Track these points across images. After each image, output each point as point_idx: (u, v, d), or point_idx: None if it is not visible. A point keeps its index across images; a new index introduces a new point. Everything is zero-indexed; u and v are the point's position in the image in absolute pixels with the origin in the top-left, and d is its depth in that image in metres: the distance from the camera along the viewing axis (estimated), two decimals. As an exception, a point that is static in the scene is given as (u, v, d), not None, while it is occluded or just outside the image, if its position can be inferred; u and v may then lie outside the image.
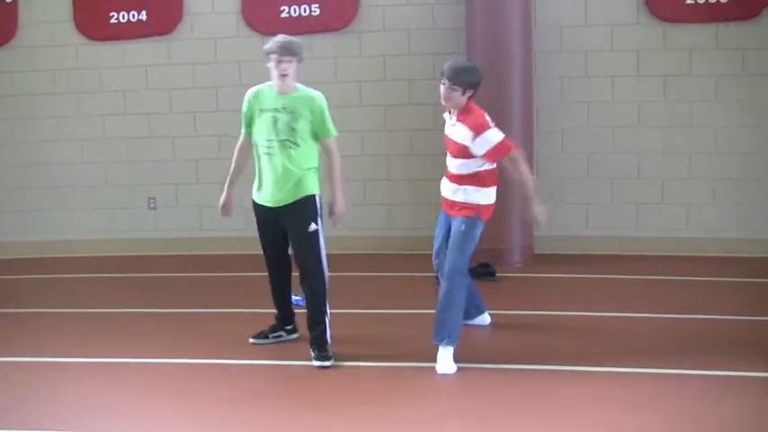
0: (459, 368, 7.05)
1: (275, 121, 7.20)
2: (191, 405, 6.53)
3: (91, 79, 12.16)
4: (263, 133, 7.27)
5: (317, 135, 7.32)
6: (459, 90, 7.14)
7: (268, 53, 7.22)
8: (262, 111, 7.29)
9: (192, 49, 11.96)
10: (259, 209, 7.45)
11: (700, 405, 6.22)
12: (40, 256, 12.10)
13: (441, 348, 7.20)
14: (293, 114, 7.20)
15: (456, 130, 7.26)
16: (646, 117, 11.21)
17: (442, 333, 7.20)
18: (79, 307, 9.46)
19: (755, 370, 6.85)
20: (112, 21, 12.00)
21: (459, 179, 7.36)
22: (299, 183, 7.24)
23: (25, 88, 12.26)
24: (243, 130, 7.57)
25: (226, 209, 7.71)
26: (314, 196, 7.31)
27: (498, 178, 7.42)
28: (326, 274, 7.30)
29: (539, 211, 7.36)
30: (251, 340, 7.79)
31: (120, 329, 8.54)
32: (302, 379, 7.03)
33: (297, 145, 7.21)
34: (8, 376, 7.25)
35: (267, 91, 7.36)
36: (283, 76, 7.19)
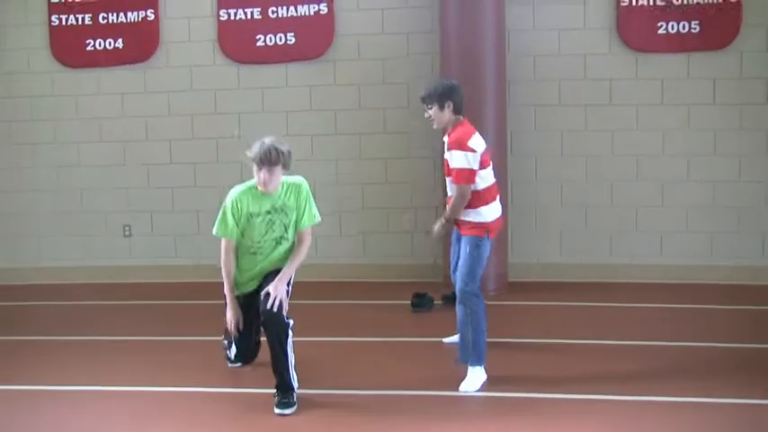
0: (433, 395, 7.14)
1: (270, 222, 7.10)
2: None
3: (67, 106, 12.16)
4: (253, 236, 7.13)
5: (300, 224, 7.20)
6: (436, 106, 7.42)
7: (252, 162, 6.93)
8: (252, 215, 7.09)
9: (168, 77, 11.97)
10: (239, 298, 7.30)
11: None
12: (11, 282, 12.03)
13: (470, 368, 7.35)
14: (285, 212, 7.12)
15: (446, 147, 7.48)
16: (619, 145, 11.28)
17: (471, 355, 7.37)
18: (50, 335, 9.44)
19: (730, 396, 6.93)
20: (89, 48, 11.99)
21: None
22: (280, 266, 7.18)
23: (1, 114, 12.25)
24: (226, 234, 7.17)
25: (239, 323, 7.29)
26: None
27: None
28: (291, 322, 6.99)
29: (435, 227, 7.64)
30: (229, 365, 7.84)
31: (92, 357, 8.52)
32: (261, 407, 6.99)
33: (287, 240, 7.19)
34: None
35: (252, 192, 7.11)
36: (265, 185, 6.97)
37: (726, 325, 9.24)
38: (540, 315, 9.98)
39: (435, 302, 10.12)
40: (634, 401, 6.92)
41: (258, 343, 7.45)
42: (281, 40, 11.66)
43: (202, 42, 11.89)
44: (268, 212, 7.09)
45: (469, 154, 7.29)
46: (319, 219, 7.32)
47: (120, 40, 11.95)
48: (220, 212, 7.15)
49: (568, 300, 10.38)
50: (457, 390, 7.22)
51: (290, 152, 6.96)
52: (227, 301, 7.22)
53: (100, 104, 12.13)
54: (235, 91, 11.83)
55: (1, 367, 8.23)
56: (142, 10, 11.89)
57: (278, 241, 7.16)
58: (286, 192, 7.11)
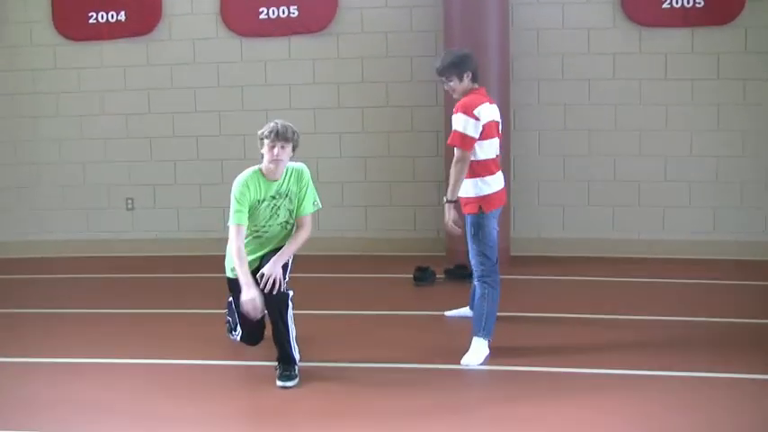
0: (435, 368, 7.16)
1: (275, 207, 7.07)
2: (162, 404, 6.55)
3: (69, 79, 12.15)
4: (259, 221, 7.10)
5: (301, 210, 7.15)
6: (455, 79, 7.40)
7: (261, 138, 6.92)
8: (259, 202, 7.05)
9: (171, 50, 11.96)
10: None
11: (671, 406, 6.28)
12: (14, 256, 12.08)
13: (475, 339, 7.36)
14: (289, 197, 7.10)
15: None
16: (622, 120, 11.26)
17: (478, 326, 7.37)
18: (53, 307, 9.44)
19: (733, 371, 6.90)
20: (91, 21, 11.98)
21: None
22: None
23: (3, 88, 12.25)
24: (243, 221, 7.01)
25: (257, 305, 6.98)
26: None
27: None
28: (290, 293, 7.01)
29: (447, 220, 7.46)
30: (229, 336, 7.79)
31: (94, 330, 8.53)
32: (264, 379, 6.98)
33: (290, 224, 7.19)
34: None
35: (257, 179, 7.04)
36: (277, 161, 6.91)
37: (730, 300, 9.22)
38: (541, 289, 10.00)
39: (437, 276, 10.11)
40: (634, 375, 6.90)
41: (263, 324, 7.39)
42: (283, 12, 11.63)
43: (205, 15, 11.86)
44: (273, 198, 7.06)
45: (471, 120, 7.24)
46: (320, 206, 7.30)
47: (122, 13, 11.93)
48: (232, 203, 7.05)
49: (570, 274, 10.41)
50: (459, 362, 7.23)
51: (299, 133, 7.00)
52: (244, 284, 6.95)
53: (102, 77, 12.12)
54: (238, 64, 11.81)
55: (20, 338, 8.24)
56: (145, -18, 11.88)
57: (283, 226, 7.16)
58: (289, 177, 7.09)
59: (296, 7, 11.63)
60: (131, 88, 12.08)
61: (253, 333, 7.44)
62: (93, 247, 12.16)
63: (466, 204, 7.44)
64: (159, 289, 10.30)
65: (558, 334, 8.11)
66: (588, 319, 8.55)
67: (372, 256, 11.38)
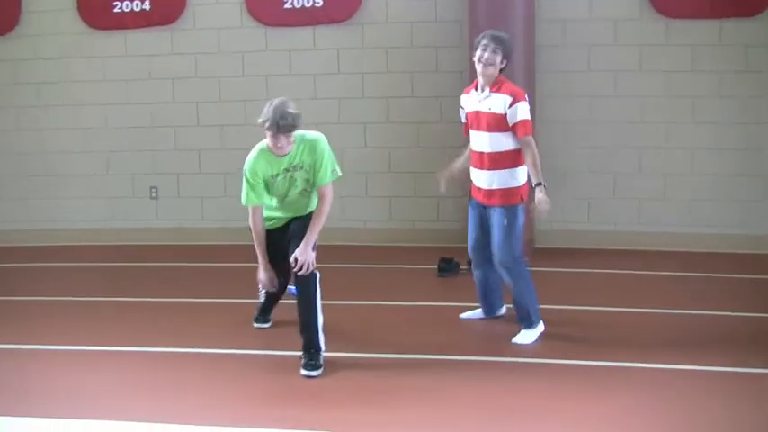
0: (459, 359, 7.20)
1: (292, 179, 7.09)
2: (182, 393, 6.58)
3: (94, 69, 12.16)
4: (276, 193, 7.18)
5: (319, 180, 7.12)
6: (500, 55, 7.31)
7: (262, 127, 6.86)
8: (272, 177, 7.07)
9: (195, 40, 11.94)
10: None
11: (698, 401, 6.24)
12: (39, 244, 12.09)
13: (525, 330, 7.52)
14: (304, 168, 7.07)
15: (490, 101, 7.36)
16: (648, 112, 11.18)
17: (527, 320, 7.49)
18: (77, 295, 9.45)
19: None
20: (116, 10, 11.98)
21: (492, 162, 7.43)
22: (309, 210, 7.25)
23: (28, 77, 12.26)
24: (255, 202, 7.17)
25: (273, 281, 7.36)
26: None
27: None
28: (318, 275, 7.04)
29: (540, 200, 7.31)
30: (254, 325, 8.00)
31: (118, 318, 8.57)
32: (288, 369, 6.98)
33: (311, 192, 7.21)
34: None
35: (266, 156, 7.08)
36: (280, 149, 6.91)
37: (763, 295, 9.15)
38: (564, 282, 9.92)
39: (461, 267, 10.05)
40: (657, 369, 6.87)
41: (288, 273, 7.37)
42: (308, 2, 11.59)
43: (230, 4, 11.84)
44: (286, 170, 7.05)
45: (528, 106, 7.30)
46: (339, 173, 7.24)
47: (147, 2, 11.92)
48: (243, 183, 7.13)
49: (594, 267, 10.35)
50: (480, 354, 7.27)
51: (299, 114, 6.87)
52: (260, 262, 7.25)
53: (127, 67, 12.12)
54: (262, 53, 11.78)
55: (26, 328, 8.26)
56: (170, -28, 11.88)
57: (302, 194, 7.20)
58: (301, 150, 7.04)
59: (321, -3, 11.61)
60: (156, 77, 12.08)
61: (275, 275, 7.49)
62: (116, 235, 12.18)
63: (509, 195, 7.42)
64: (183, 278, 10.31)
65: (581, 328, 8.07)
66: (611, 312, 8.51)
67: (396, 247, 11.34)
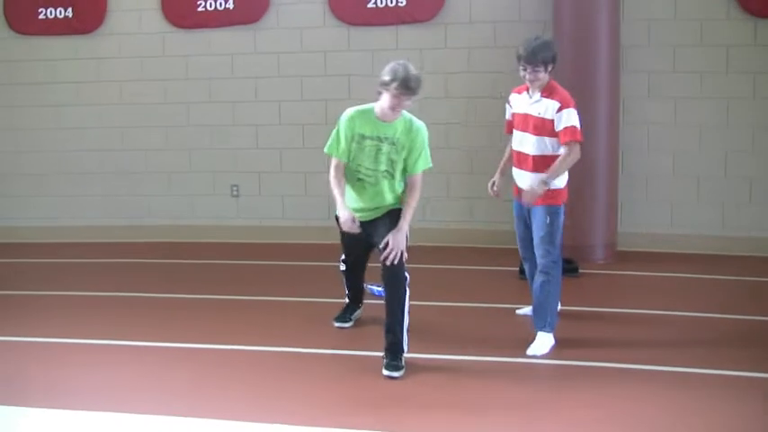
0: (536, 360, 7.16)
1: (378, 150, 6.94)
2: (264, 390, 6.60)
3: (177, 67, 12.28)
4: (362, 160, 7.01)
5: (411, 167, 7.03)
6: (542, 68, 7.24)
7: (386, 84, 6.74)
8: (363, 137, 6.94)
9: (278, 39, 12.00)
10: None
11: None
12: (124, 240, 12.27)
13: (540, 333, 7.37)
14: (395, 146, 6.93)
15: (540, 106, 7.33)
16: (733, 115, 11.02)
17: (543, 321, 7.38)
18: (155, 291, 9.58)
19: None
20: (199, 9, 12.08)
21: (536, 165, 7.40)
22: (391, 203, 7.12)
23: (112, 75, 12.41)
24: (335, 152, 7.08)
25: (354, 222, 7.08)
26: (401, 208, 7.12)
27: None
28: (408, 278, 6.97)
29: (533, 189, 7.30)
30: (335, 324, 7.91)
31: (202, 315, 8.65)
32: (369, 369, 6.96)
33: (393, 177, 7.04)
34: (66, 355, 7.40)
35: (368, 115, 6.99)
36: (399, 108, 6.83)
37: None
38: (646, 285, 9.82)
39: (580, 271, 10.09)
40: (728, 376, 6.75)
41: (367, 256, 7.52)
42: (391, 2, 11.60)
43: (313, 3, 11.88)
44: (379, 138, 6.94)
45: (576, 113, 7.26)
46: (431, 164, 7.14)
47: (230, 1, 11.99)
48: (334, 131, 7.07)
49: (676, 271, 10.19)
50: (560, 359, 7.19)
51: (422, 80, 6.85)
52: (339, 205, 7.08)
53: (210, 65, 12.21)
54: (345, 53, 11.80)
55: (122, 322, 8.37)
56: (253, -29, 11.95)
57: (383, 175, 7.02)
58: (402, 127, 6.96)
59: (404, -4, 11.61)
60: (238, 76, 12.16)
61: (356, 263, 7.60)
62: (198, 232, 12.29)
63: (555, 195, 7.39)
64: (265, 276, 10.35)
65: (659, 331, 7.99)
66: (692, 317, 8.37)
67: (477, 248, 11.29)
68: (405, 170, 7.06)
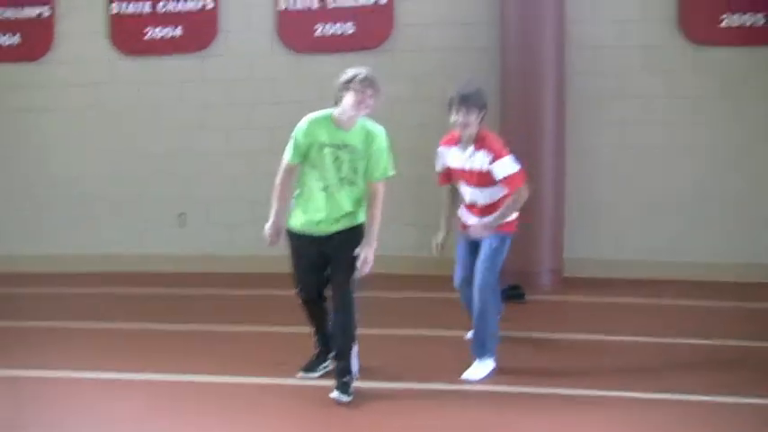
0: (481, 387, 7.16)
1: (337, 159, 6.87)
2: (206, 422, 6.54)
3: (125, 94, 12.23)
4: (321, 168, 6.92)
5: (370, 174, 6.96)
6: (475, 112, 7.28)
7: (348, 82, 6.83)
8: (322, 145, 6.88)
9: (227, 66, 12.01)
10: (303, 239, 7.09)
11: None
12: (66, 270, 12.10)
13: (477, 361, 7.39)
14: (354, 154, 6.88)
15: (475, 159, 7.38)
16: (677, 140, 11.20)
17: (481, 348, 7.40)
18: (101, 321, 9.48)
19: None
20: (147, 36, 12.06)
21: (485, 211, 7.50)
22: (351, 215, 7.02)
23: (60, 102, 12.35)
24: (291, 157, 6.99)
25: (278, 237, 7.12)
26: (362, 225, 7.04)
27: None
28: (355, 304, 6.97)
29: (476, 228, 7.44)
30: (300, 374, 7.48)
31: (141, 345, 8.54)
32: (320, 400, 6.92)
33: (354, 184, 6.96)
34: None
35: (325, 122, 6.94)
36: (361, 108, 6.82)
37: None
38: (592, 311, 9.88)
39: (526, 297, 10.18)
40: (674, 400, 6.81)
41: (321, 278, 7.20)
42: (339, 29, 11.65)
43: (261, 31, 11.93)
44: (338, 146, 6.87)
45: (510, 156, 7.35)
46: (392, 172, 7.10)
47: (179, 28, 12.00)
48: (290, 141, 6.99)
49: (621, 296, 10.33)
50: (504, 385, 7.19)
51: None
52: (272, 215, 7.10)
53: (158, 93, 12.19)
54: (293, 80, 11.82)
55: (63, 352, 8.26)
56: (202, -1, 11.96)
57: (344, 182, 6.93)
58: (360, 133, 6.93)
59: (352, 24, 11.64)
60: (187, 104, 12.15)
61: (312, 291, 7.29)
62: (145, 261, 12.20)
63: (506, 224, 7.48)
64: (209, 306, 10.32)
65: (604, 356, 8.05)
66: (637, 342, 8.45)
67: (426, 276, 11.18)
68: (366, 177, 7.00)
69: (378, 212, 6.98)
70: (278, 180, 7.09)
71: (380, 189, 7.00)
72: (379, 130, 7.01)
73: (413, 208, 11.66)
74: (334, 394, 6.81)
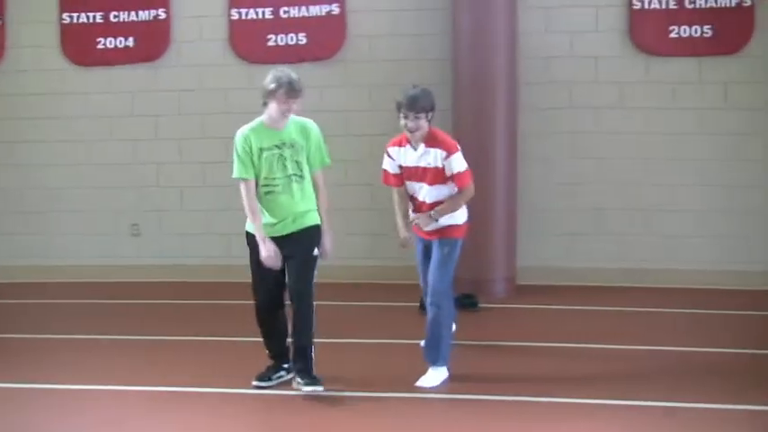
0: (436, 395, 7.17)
1: (280, 157, 7.06)
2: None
3: (77, 104, 12.17)
4: (269, 172, 7.07)
5: (311, 164, 7.21)
6: (423, 116, 7.30)
7: (272, 91, 7.00)
8: (262, 150, 7.04)
9: (179, 77, 11.99)
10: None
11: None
12: (20, 280, 12.00)
13: (432, 368, 7.39)
14: (294, 148, 7.11)
15: (428, 157, 7.39)
16: (629, 149, 11.28)
17: (435, 354, 7.40)
18: (56, 333, 9.39)
19: (740, 402, 6.86)
20: (99, 46, 12.01)
21: (432, 209, 7.47)
22: (305, 213, 7.18)
23: (11, 112, 12.26)
24: (241, 172, 7.09)
25: (278, 258, 7.14)
26: (318, 226, 7.23)
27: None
28: (314, 304, 7.14)
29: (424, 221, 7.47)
30: (254, 383, 7.41)
31: (99, 356, 8.49)
32: (282, 409, 6.97)
33: (302, 177, 7.15)
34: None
35: (259, 129, 7.12)
36: (289, 112, 7.03)
37: (735, 330, 9.24)
38: (545, 318, 9.99)
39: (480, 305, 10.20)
40: (614, 405, 6.87)
41: (281, 289, 7.32)
42: (292, 40, 11.67)
43: (214, 42, 11.91)
44: (278, 147, 7.08)
45: (461, 156, 7.39)
46: (329, 161, 7.38)
47: (131, 39, 11.96)
48: (234, 157, 7.12)
49: (574, 304, 10.38)
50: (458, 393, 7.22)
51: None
52: (259, 239, 7.10)
53: (110, 103, 12.13)
54: (246, 90, 11.76)
55: (9, 365, 8.17)
56: (153, 9, 11.95)
57: (292, 179, 7.11)
58: (294, 128, 7.16)
59: (304, 35, 11.66)
60: (139, 114, 12.10)
61: (271, 299, 7.36)
62: (98, 272, 12.11)
63: (457, 229, 7.51)
64: (165, 315, 10.26)
65: (558, 363, 8.11)
66: (591, 348, 8.51)
67: (377, 284, 11.32)
68: (309, 167, 7.23)
69: (325, 200, 7.34)
70: (244, 201, 7.19)
71: (322, 178, 7.34)
72: (311, 123, 7.29)
73: (365, 216, 11.67)
74: (306, 389, 7.03)
